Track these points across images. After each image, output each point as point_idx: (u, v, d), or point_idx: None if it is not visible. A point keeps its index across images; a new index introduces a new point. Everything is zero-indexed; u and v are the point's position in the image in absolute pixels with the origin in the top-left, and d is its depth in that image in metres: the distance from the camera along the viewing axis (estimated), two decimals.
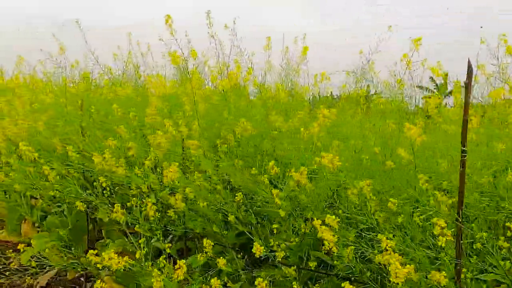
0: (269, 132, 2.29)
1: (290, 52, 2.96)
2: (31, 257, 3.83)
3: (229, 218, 1.88)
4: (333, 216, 1.32)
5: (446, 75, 3.37)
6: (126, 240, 3.30)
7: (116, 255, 1.54)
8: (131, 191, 2.24)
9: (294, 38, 2.93)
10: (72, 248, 2.96)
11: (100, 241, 3.29)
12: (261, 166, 2.07)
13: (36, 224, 3.68)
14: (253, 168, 1.81)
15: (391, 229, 1.53)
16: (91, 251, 1.69)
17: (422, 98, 2.87)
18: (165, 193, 2.26)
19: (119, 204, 2.06)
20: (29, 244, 4.00)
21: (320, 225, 1.34)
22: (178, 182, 1.85)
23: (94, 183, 3.05)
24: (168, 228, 2.37)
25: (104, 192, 2.29)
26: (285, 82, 2.99)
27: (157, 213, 1.90)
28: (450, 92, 3.64)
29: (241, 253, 2.17)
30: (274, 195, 1.61)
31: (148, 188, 2.15)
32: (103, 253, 1.53)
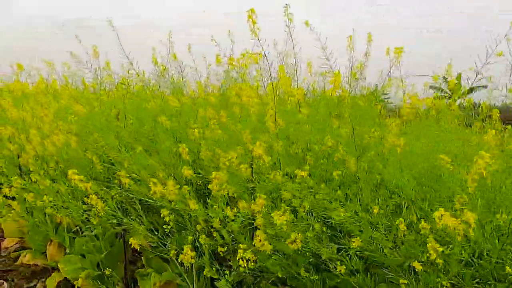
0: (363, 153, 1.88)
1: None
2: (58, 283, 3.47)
3: (338, 268, 1.47)
4: None
5: (460, 75, 3.05)
6: (169, 267, 2.91)
7: None
8: (198, 225, 1.84)
9: (368, 34, 2.51)
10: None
11: (140, 270, 2.89)
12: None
13: (68, 250, 3.28)
14: (375, 207, 1.40)
15: None
16: None
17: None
18: (236, 227, 1.85)
19: (189, 246, 1.66)
20: (54, 268, 3.62)
21: None
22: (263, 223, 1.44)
23: (135, 206, 2.66)
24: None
25: (165, 226, 1.88)
26: (354, 87, 2.58)
27: (253, 263, 1.49)
28: (464, 93, 3.25)
29: None
30: (430, 247, 1.18)
31: (220, 223, 1.74)
32: None
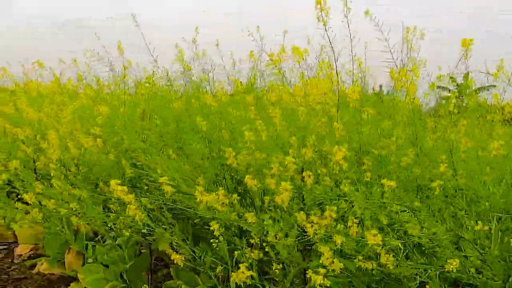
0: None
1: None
2: None
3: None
4: None
5: (468, 74, 2.88)
6: (199, 279, 2.71)
7: None
8: (252, 239, 1.64)
9: (414, 29, 2.30)
10: None
11: (168, 282, 2.69)
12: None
13: (89, 260, 3.07)
14: (477, 223, 1.18)
15: None
16: None
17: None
18: (292, 242, 1.65)
19: (246, 264, 1.46)
20: (71, 277, 3.42)
21: None
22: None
23: (164, 213, 2.47)
24: None
25: (213, 241, 1.68)
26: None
27: None
28: (474, 92, 3.07)
29: None
30: None
31: (275, 238, 1.54)
32: None
